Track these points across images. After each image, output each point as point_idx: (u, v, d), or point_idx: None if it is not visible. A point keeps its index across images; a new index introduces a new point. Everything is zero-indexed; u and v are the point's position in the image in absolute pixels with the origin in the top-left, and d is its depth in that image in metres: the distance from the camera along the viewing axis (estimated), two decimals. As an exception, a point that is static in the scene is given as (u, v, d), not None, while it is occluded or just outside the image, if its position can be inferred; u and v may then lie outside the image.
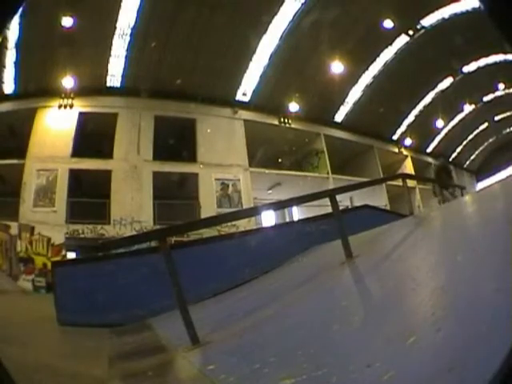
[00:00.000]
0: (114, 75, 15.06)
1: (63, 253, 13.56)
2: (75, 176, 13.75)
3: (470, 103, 21.50)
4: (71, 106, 14.85)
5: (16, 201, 15.00)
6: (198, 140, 14.47)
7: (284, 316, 2.51)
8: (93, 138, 14.09)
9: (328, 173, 17.46)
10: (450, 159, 25.19)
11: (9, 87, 16.04)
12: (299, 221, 10.19)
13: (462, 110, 22.13)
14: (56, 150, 14.11)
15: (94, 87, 15.07)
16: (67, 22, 12.83)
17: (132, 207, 13.21)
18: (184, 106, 14.71)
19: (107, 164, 13.70)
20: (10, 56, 15.31)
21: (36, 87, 15.18)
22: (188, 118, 14.63)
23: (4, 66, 15.42)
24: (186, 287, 2.78)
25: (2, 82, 15.76)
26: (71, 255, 13.72)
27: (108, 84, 15.15)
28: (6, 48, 14.88)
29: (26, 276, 13.92)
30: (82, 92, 14.95)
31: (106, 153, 13.79)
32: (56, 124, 14.69)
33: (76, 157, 13.87)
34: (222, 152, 14.59)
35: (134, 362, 2.16)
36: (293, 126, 17.16)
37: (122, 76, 14.97)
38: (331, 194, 4.12)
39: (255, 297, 3.90)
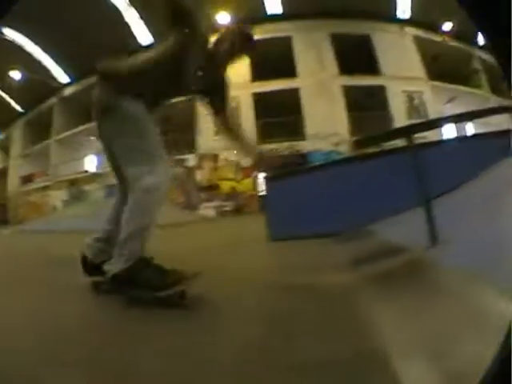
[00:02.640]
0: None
1: (254, 174, 13.30)
2: (259, 99, 13.51)
3: None
4: (237, 37, 14.74)
5: (187, 135, 15.09)
6: (378, 54, 13.87)
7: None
8: (270, 61, 13.85)
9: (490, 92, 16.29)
10: None
11: (146, 39, 16.37)
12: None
13: None
14: (232, 78, 13.85)
15: (253, 17, 14.87)
16: None
17: (326, 121, 12.73)
18: (354, 23, 14.17)
19: (293, 83, 13.36)
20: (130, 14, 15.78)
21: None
22: (362, 34, 14.06)
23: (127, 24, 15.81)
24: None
25: (134, 38, 16.15)
26: (262, 176, 13.49)
27: (268, 12, 14.93)
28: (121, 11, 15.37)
29: (207, 204, 13.84)
30: (241, 23, 14.82)
31: (288, 73, 13.44)
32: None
33: (257, 81, 13.64)
34: (401, 65, 13.86)
35: (375, 264, 1.98)
36: (451, 43, 16.16)
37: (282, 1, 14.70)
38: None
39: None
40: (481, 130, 11.13)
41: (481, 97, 15.97)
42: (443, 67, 15.27)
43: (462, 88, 15.28)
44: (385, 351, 0.90)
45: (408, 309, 1.21)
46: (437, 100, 14.23)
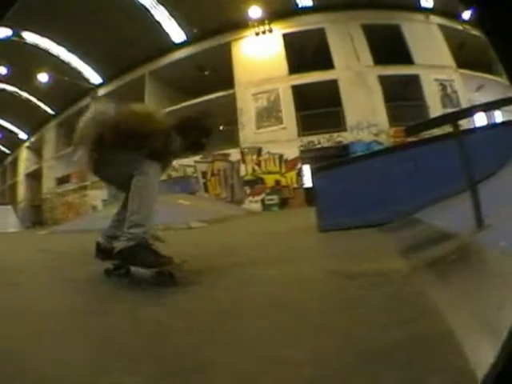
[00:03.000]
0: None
1: (298, 166, 13.70)
2: (298, 91, 13.85)
3: None
4: (270, 31, 14.96)
5: (228, 129, 15.36)
6: (409, 43, 14.23)
7: None
8: (306, 53, 14.20)
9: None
10: None
11: (178, 37, 16.44)
12: None
13: None
14: (270, 72, 14.28)
15: (284, 10, 15.09)
16: None
17: (365, 112, 13.15)
18: (382, 13, 14.49)
19: (331, 74, 13.69)
20: (160, 13, 15.79)
21: (215, 26, 15.45)
22: (392, 24, 14.39)
23: (158, 22, 15.81)
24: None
25: (167, 34, 16.15)
26: (306, 168, 13.90)
27: (299, 5, 15.14)
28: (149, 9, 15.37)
29: (253, 197, 14.18)
30: (273, 17, 15.06)
31: (325, 64, 13.77)
32: (259, 49, 14.86)
33: (295, 73, 13.97)
34: (431, 54, 14.27)
35: (426, 251, 2.01)
36: (472, 32, 16.57)
37: (312, -6, 14.90)
38: None
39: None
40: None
41: (503, 85, 16.50)
42: (467, 55, 15.73)
43: (487, 76, 15.76)
44: (450, 331, 0.95)
45: (465, 291, 1.26)
46: (466, 88, 14.71)
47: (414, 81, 13.82)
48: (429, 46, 14.43)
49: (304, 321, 1.23)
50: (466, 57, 15.95)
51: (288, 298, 1.53)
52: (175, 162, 15.23)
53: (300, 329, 1.16)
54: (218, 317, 1.36)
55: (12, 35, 16.87)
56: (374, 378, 0.81)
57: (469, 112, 3.68)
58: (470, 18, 16.96)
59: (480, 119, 14.20)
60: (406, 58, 14.02)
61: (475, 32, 16.79)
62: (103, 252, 2.21)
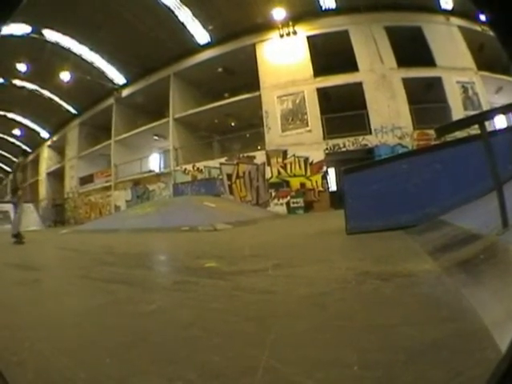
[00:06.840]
0: (325, -2, 15.07)
1: (324, 169, 13.97)
2: (323, 93, 14.05)
3: None
4: (295, 33, 15.08)
5: (252, 133, 15.59)
6: (431, 45, 14.41)
7: None
8: (330, 55, 14.32)
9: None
10: None
11: (203, 38, 16.47)
12: None
13: None
14: (295, 74, 14.46)
15: (308, 12, 15.17)
16: None
17: (390, 115, 13.39)
18: (404, 15, 14.63)
19: (355, 77, 13.86)
20: (184, 14, 15.77)
21: (239, 28, 15.52)
22: (413, 26, 14.54)
23: (182, 23, 15.83)
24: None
25: (191, 36, 16.17)
26: (331, 171, 14.19)
27: (323, 7, 15.22)
28: (173, 10, 15.34)
29: (278, 200, 14.45)
30: (297, 19, 15.16)
31: (349, 67, 13.95)
32: (284, 51, 15.00)
33: (320, 76, 14.15)
34: (453, 56, 14.48)
35: (455, 252, 2.04)
36: (491, 33, 16.72)
37: (334, -3, 14.96)
38: None
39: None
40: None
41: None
42: (486, 57, 15.94)
43: (506, 77, 15.98)
44: (484, 328, 0.97)
45: (495, 289, 1.27)
46: (486, 90, 14.96)
47: (436, 83, 14.04)
48: (450, 47, 14.63)
49: (346, 320, 1.25)
50: (485, 58, 16.17)
51: (326, 298, 1.55)
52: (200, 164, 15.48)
53: (343, 328, 1.17)
54: (257, 317, 1.35)
55: (31, 32, 16.83)
56: (422, 374, 0.83)
57: (495, 112, 3.66)
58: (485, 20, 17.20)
59: (500, 122, 14.54)
60: (428, 60, 14.21)
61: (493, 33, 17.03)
62: (12, 235, 6.37)
